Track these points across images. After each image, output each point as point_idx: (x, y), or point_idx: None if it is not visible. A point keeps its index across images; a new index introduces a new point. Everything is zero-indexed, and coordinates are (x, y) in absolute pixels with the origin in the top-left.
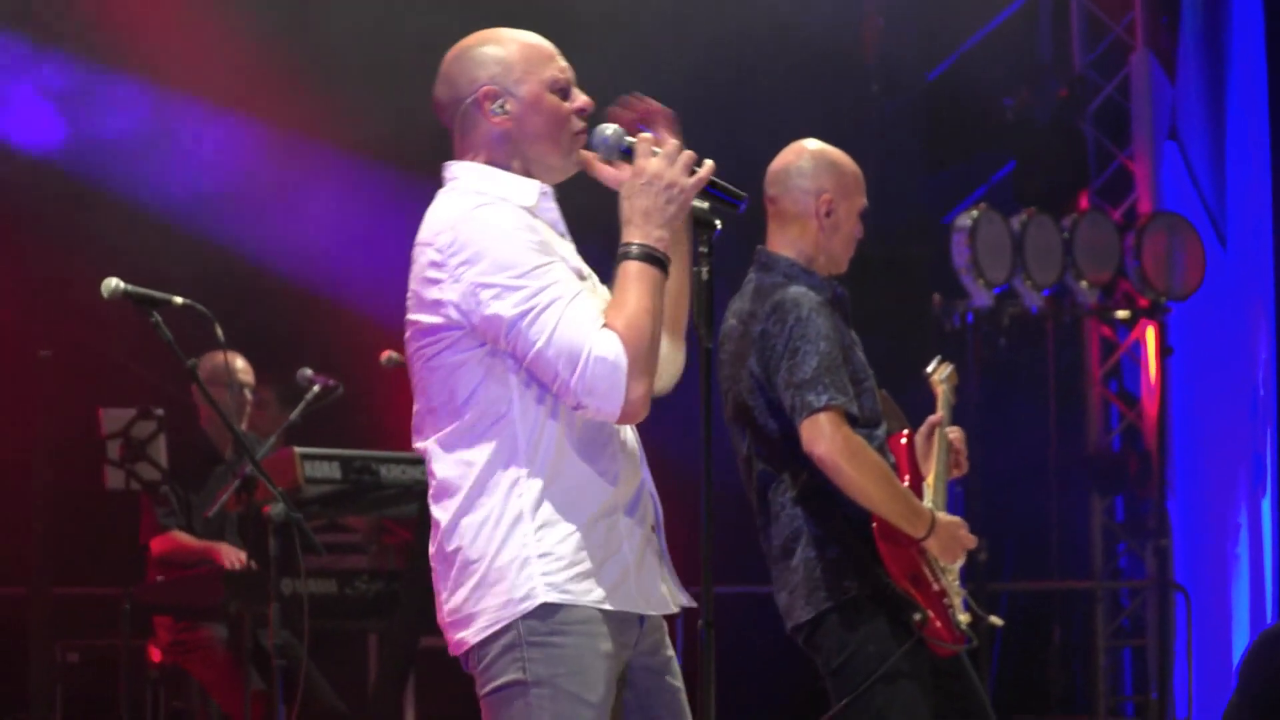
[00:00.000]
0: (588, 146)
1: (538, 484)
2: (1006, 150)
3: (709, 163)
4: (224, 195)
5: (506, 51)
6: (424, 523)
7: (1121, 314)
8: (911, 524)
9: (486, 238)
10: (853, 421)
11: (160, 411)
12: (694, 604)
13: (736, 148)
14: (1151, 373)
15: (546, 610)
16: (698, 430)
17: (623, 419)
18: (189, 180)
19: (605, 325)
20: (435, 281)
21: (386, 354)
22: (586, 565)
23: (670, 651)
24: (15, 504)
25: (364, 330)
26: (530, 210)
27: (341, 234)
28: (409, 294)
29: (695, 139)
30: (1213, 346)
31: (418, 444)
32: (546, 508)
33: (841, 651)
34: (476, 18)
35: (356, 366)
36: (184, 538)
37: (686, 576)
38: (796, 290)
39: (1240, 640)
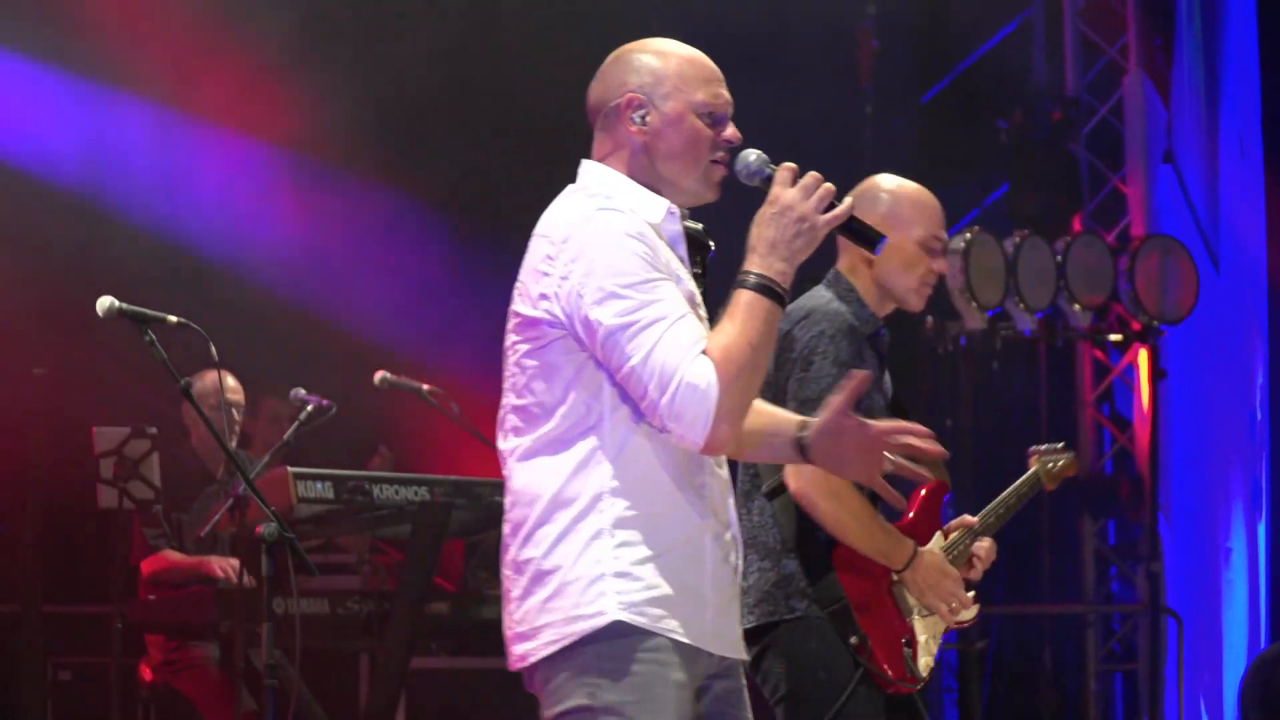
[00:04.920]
0: (732, 172)
1: (621, 502)
2: (1000, 172)
3: (848, 200)
4: (219, 213)
5: (663, 64)
6: (417, 543)
7: (1114, 337)
8: (889, 557)
9: (602, 241)
10: None
11: (153, 430)
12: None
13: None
14: (1144, 396)
15: (617, 631)
16: None
17: (707, 449)
18: (185, 198)
19: (704, 352)
20: (544, 275)
21: (380, 374)
22: (663, 592)
23: (740, 683)
24: (8, 521)
25: (359, 350)
26: (654, 227)
27: (338, 253)
28: (517, 284)
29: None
30: (1206, 370)
31: (500, 444)
32: (628, 527)
33: (790, 678)
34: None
35: (351, 386)
36: (174, 556)
37: None
38: (835, 307)
39: (1232, 665)
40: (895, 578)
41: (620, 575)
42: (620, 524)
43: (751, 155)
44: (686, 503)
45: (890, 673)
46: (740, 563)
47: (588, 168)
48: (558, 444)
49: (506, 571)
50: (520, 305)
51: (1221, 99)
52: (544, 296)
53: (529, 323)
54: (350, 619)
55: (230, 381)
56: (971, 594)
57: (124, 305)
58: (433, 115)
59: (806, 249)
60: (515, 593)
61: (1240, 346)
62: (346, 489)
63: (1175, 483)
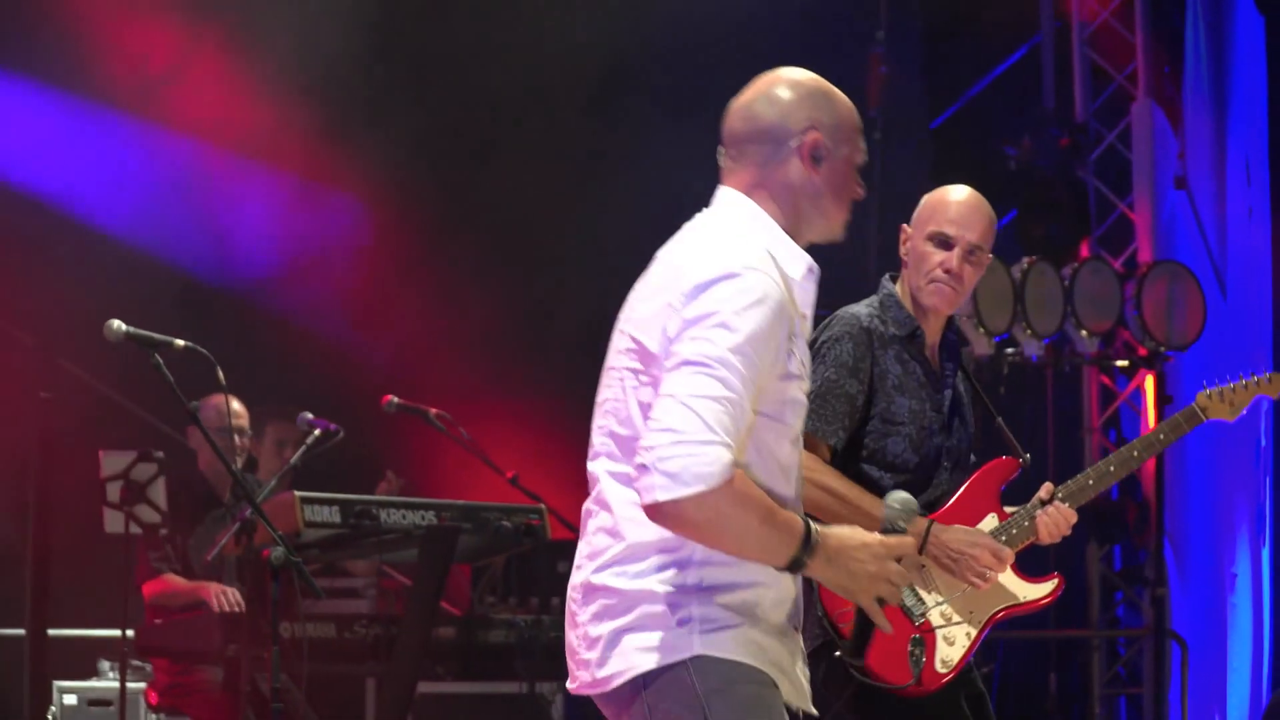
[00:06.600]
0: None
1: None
2: (1008, 198)
3: (884, 625)
4: (228, 239)
5: (841, 109)
6: (424, 567)
7: (1121, 363)
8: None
9: (740, 309)
10: (834, 453)
11: (160, 454)
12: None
13: None
14: (1150, 422)
15: (707, 660)
16: None
17: (651, 510)
18: (194, 225)
19: (736, 464)
20: (671, 310)
21: (388, 398)
22: (748, 634)
23: None
24: (14, 545)
25: (365, 374)
26: (791, 285)
27: (346, 279)
28: (637, 304)
29: (700, 187)
30: None
31: (592, 466)
32: (714, 571)
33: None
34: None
35: (358, 410)
36: (174, 580)
37: None
38: (854, 310)
39: (1236, 689)
40: None
41: (704, 612)
42: (706, 566)
43: (898, 502)
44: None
45: (890, 680)
46: (800, 622)
47: (734, 200)
48: None
49: (575, 594)
50: (640, 333)
51: (1229, 125)
52: (666, 332)
53: (648, 355)
54: (357, 643)
55: (235, 406)
56: (1054, 578)
57: (131, 329)
58: (448, 148)
59: (838, 578)
60: (584, 616)
61: (1246, 372)
62: (353, 513)
63: (1181, 508)
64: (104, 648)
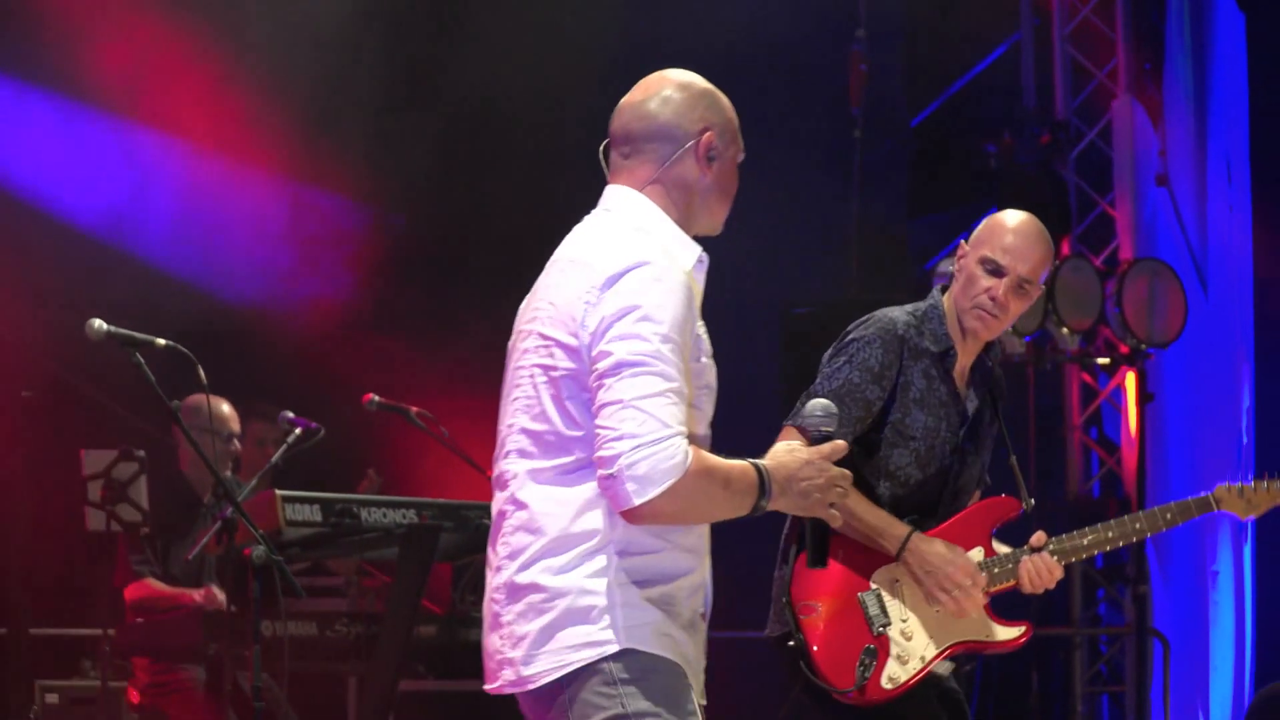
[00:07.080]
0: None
1: (627, 538)
2: (989, 196)
3: (837, 517)
4: (208, 239)
5: (727, 110)
6: (405, 566)
7: (1102, 360)
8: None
9: (657, 293)
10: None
11: (141, 453)
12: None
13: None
14: (1131, 419)
15: (630, 653)
16: None
17: (631, 514)
18: (174, 223)
19: (689, 442)
20: (586, 305)
21: (369, 397)
22: (665, 628)
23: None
24: None
25: (348, 373)
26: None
27: (328, 278)
28: (543, 305)
29: None
30: (1193, 393)
31: (505, 465)
32: (633, 563)
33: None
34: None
35: (339, 409)
36: (155, 584)
37: None
38: (893, 315)
39: (1219, 687)
40: (871, 585)
41: (628, 606)
42: (626, 557)
43: (819, 410)
44: (686, 547)
45: (833, 682)
46: (709, 610)
47: (626, 196)
48: (571, 475)
49: (497, 595)
50: (552, 330)
51: (1210, 122)
52: (584, 326)
53: (564, 349)
54: (338, 641)
55: (225, 409)
56: (1023, 625)
57: (113, 328)
58: (445, 150)
59: (794, 502)
60: (508, 616)
61: (1227, 370)
62: (334, 512)
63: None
64: (86, 646)
